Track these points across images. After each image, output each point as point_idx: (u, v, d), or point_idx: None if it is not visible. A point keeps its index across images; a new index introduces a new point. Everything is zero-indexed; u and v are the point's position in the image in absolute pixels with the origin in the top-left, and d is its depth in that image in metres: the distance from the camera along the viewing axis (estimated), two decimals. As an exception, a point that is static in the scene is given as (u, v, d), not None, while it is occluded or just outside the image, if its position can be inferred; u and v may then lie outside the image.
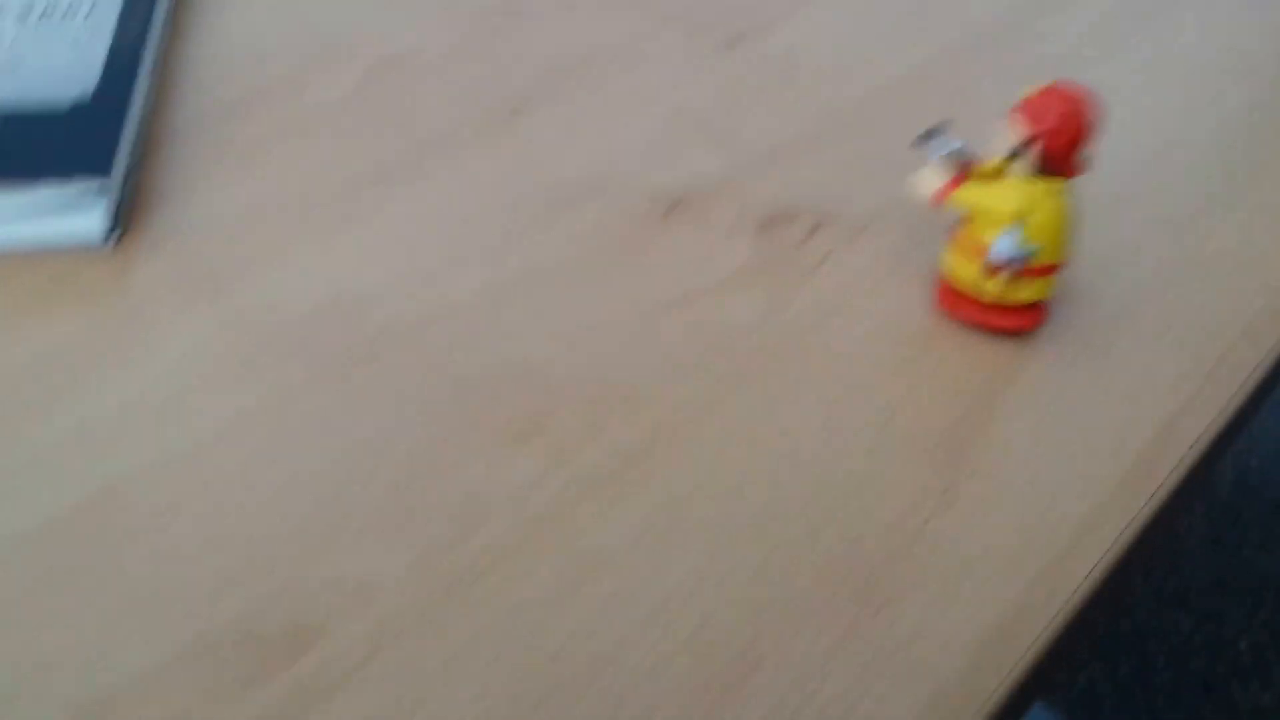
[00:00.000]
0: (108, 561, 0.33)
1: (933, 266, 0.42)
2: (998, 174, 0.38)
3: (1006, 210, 0.37)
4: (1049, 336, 0.40)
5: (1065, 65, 0.52)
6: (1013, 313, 0.39)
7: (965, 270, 0.38)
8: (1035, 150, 0.36)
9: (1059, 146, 0.36)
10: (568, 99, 0.49)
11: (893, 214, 0.44)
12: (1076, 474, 0.36)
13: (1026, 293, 0.38)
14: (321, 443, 0.36)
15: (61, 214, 0.41)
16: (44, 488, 0.35)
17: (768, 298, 0.41)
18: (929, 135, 0.38)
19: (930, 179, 0.38)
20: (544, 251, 0.42)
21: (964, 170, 0.38)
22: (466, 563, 0.33)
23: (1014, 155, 0.36)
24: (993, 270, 0.37)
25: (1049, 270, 0.38)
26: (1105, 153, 0.47)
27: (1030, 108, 0.36)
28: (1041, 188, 0.37)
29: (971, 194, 0.37)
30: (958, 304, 0.40)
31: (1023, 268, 0.37)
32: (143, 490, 0.35)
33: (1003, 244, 0.36)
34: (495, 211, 0.44)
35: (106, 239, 0.41)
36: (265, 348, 0.39)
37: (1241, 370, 0.40)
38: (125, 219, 0.43)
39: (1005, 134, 0.36)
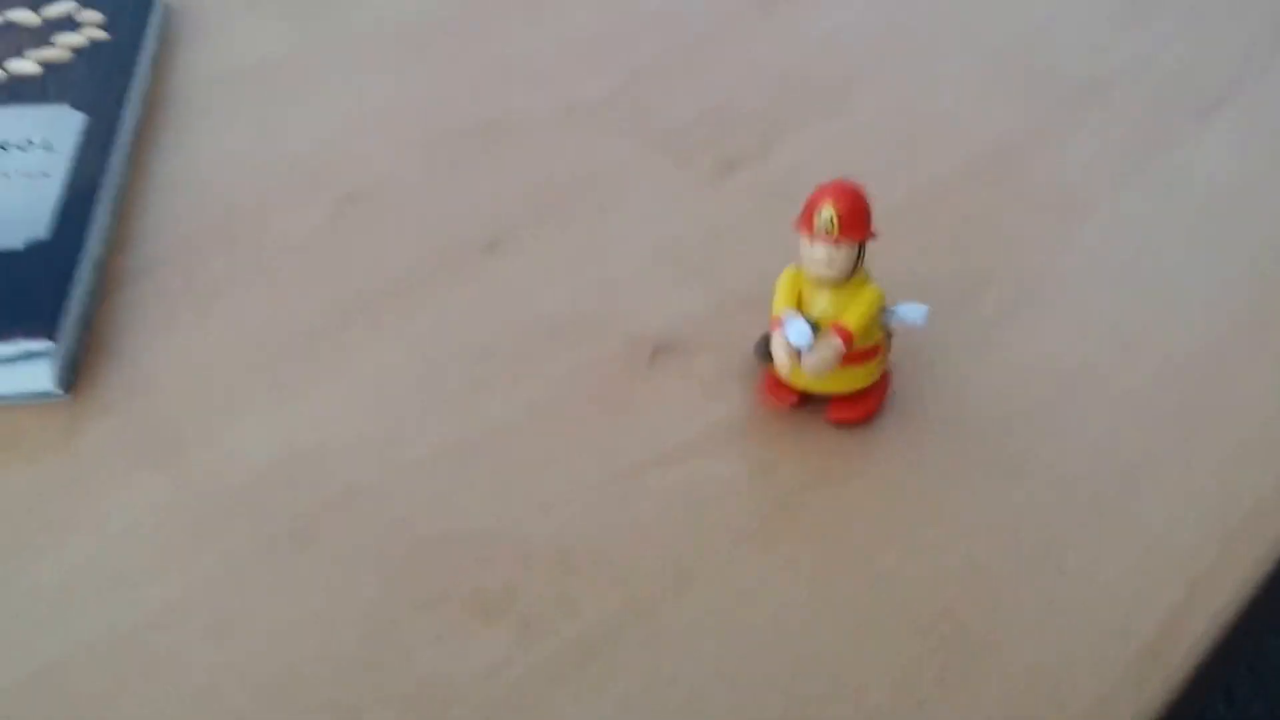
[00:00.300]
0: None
1: (940, 424, 0.40)
2: (796, 296, 0.38)
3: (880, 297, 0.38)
4: (1056, 513, 0.38)
5: (1073, 191, 0.50)
6: (849, 402, 0.40)
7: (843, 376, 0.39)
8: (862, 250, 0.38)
9: (870, 232, 0.38)
10: (547, 233, 0.47)
11: (893, 362, 0.42)
12: (1088, 651, 0.33)
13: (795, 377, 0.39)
14: (270, 619, 0.34)
15: (9, 366, 0.38)
16: (-31, 677, 0.32)
17: (757, 455, 0.38)
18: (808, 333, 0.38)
19: (823, 346, 0.38)
20: (516, 403, 0.40)
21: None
22: (423, 765, 0.31)
23: (857, 266, 0.38)
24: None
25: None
26: (1110, 283, 0.45)
27: (849, 225, 0.37)
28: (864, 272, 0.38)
29: (857, 314, 0.38)
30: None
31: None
32: (82, 672, 0.32)
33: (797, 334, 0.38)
34: (465, 358, 0.42)
35: (55, 393, 0.39)
36: (216, 514, 0.36)
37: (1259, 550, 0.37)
38: (77, 370, 0.40)
39: (838, 256, 0.37)
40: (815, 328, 0.38)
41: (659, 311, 0.44)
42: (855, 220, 0.37)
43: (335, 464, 0.38)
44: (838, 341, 0.37)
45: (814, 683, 0.32)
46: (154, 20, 0.56)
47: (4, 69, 0.50)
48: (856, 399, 0.39)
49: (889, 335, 0.40)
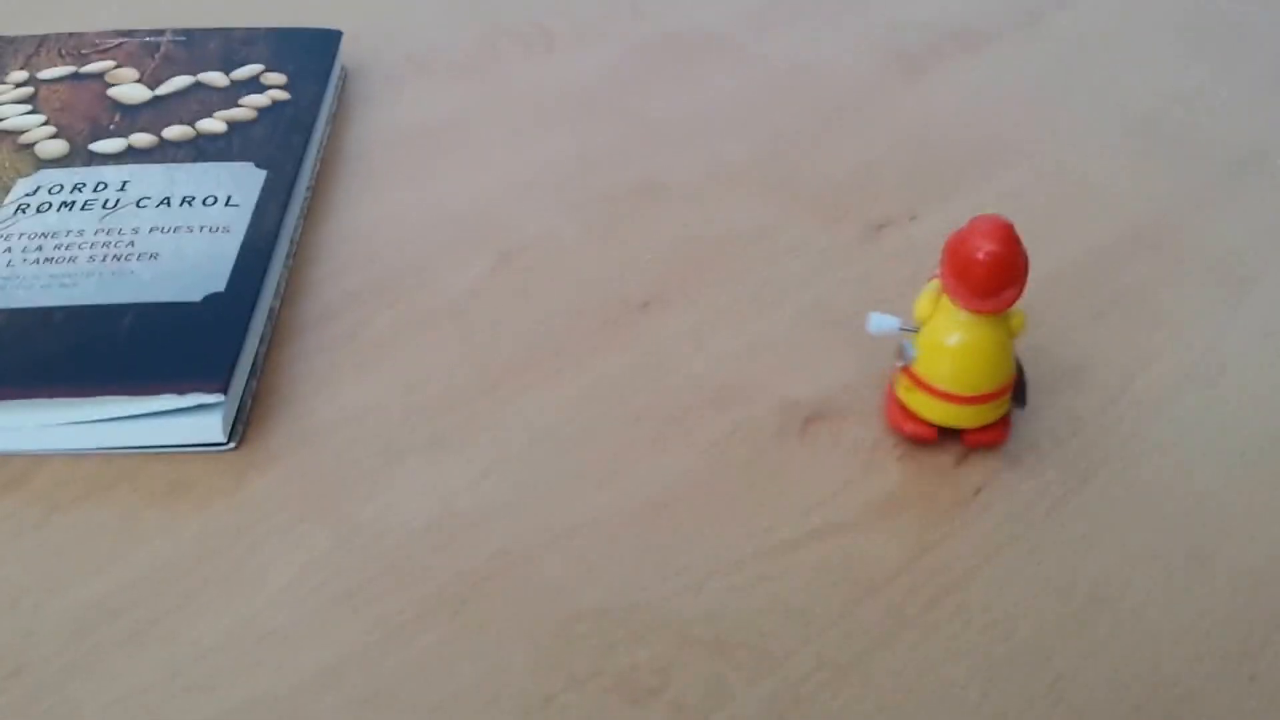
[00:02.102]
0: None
1: (1117, 510, 0.35)
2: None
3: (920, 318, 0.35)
4: (1246, 612, 0.32)
5: (1235, 264, 0.44)
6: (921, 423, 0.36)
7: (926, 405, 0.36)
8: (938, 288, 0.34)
9: (953, 285, 0.33)
10: (698, 292, 0.43)
11: (1057, 440, 0.37)
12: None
13: (928, 411, 0.35)
14: (423, 692, 0.30)
15: (182, 417, 0.36)
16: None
17: (918, 533, 0.34)
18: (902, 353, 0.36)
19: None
20: (667, 469, 0.36)
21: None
22: None
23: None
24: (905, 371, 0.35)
25: (949, 397, 0.34)
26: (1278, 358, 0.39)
27: (945, 250, 0.33)
28: (966, 317, 0.34)
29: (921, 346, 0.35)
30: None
31: (905, 367, 0.35)
32: (234, 737, 0.29)
33: (905, 346, 0.35)
34: (618, 420, 0.38)
35: (225, 444, 0.36)
36: (373, 575, 0.33)
37: None
38: (246, 421, 0.38)
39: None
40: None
41: (811, 376, 0.39)
42: (949, 270, 0.33)
43: (489, 527, 0.34)
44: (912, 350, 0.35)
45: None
46: (333, 82, 0.53)
47: (194, 128, 0.48)
48: (994, 427, 0.36)
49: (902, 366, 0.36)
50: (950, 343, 0.34)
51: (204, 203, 0.44)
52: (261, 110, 0.50)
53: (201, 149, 0.47)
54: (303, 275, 0.44)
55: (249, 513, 0.35)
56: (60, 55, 0.54)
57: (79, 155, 0.47)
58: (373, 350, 0.41)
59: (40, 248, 0.42)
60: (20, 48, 0.54)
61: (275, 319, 0.42)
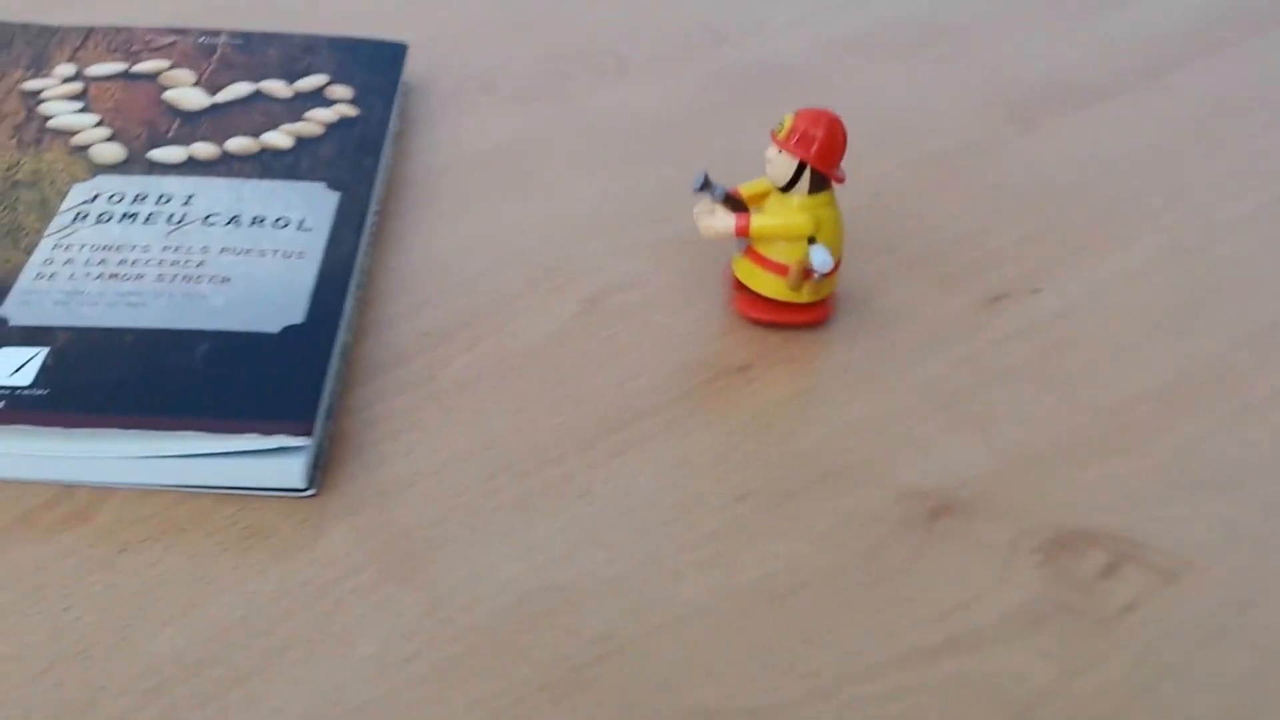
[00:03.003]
0: None
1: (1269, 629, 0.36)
2: (763, 197, 0.45)
3: (805, 230, 0.43)
4: None
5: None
6: (809, 309, 0.46)
7: (770, 284, 0.45)
8: (807, 174, 0.43)
9: (825, 166, 0.43)
10: (801, 356, 0.45)
11: (1220, 551, 0.38)
12: None
13: (825, 290, 0.45)
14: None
15: (263, 459, 0.37)
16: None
17: (1061, 652, 0.35)
18: (706, 184, 0.44)
19: (722, 217, 0.44)
20: (779, 554, 0.38)
21: (732, 202, 0.44)
22: None
23: (792, 182, 0.43)
24: (807, 277, 0.44)
25: (834, 270, 0.45)
26: None
27: (796, 138, 0.42)
28: (819, 202, 0.44)
29: (767, 221, 0.44)
30: (761, 308, 0.46)
31: (830, 273, 0.44)
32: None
33: (820, 257, 0.43)
34: (722, 494, 0.39)
35: (304, 491, 0.38)
36: (464, 651, 0.34)
37: None
38: (323, 467, 0.39)
39: (776, 161, 0.43)
40: (742, 208, 0.44)
41: (935, 464, 0.41)
42: (806, 142, 0.42)
43: (589, 606, 0.36)
44: (730, 219, 0.43)
45: None
46: (399, 99, 0.55)
47: (259, 140, 0.50)
48: (761, 303, 0.45)
49: (809, 270, 0.44)
50: (837, 218, 0.44)
51: (275, 224, 0.46)
52: (329, 126, 0.52)
53: (267, 165, 0.49)
54: (373, 310, 0.46)
55: (330, 569, 0.36)
56: (109, 50, 0.55)
57: (137, 162, 0.49)
58: (452, 395, 0.42)
59: (104, 261, 0.43)
60: (66, 39, 0.56)
61: (346, 364, 0.43)
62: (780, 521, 0.39)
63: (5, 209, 0.46)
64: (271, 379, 0.39)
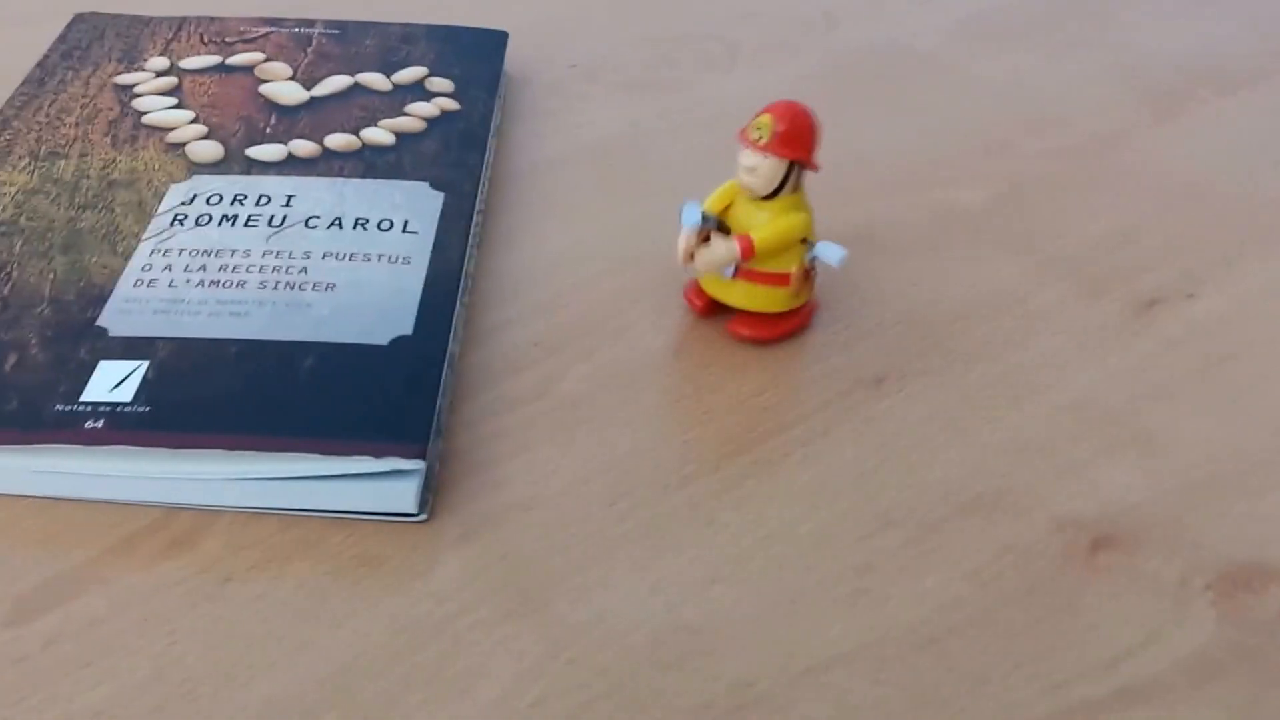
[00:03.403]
0: None
1: None
2: (726, 209, 0.40)
3: (804, 232, 0.40)
4: None
5: None
6: (802, 310, 0.43)
7: (773, 298, 0.41)
8: (794, 173, 0.39)
9: (811, 159, 0.39)
10: (940, 370, 0.42)
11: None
12: None
13: (811, 287, 0.42)
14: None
15: (373, 482, 0.35)
16: None
17: (1247, 706, 0.32)
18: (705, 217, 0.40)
19: (722, 246, 0.40)
20: (933, 596, 0.35)
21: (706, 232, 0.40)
22: None
23: (781, 185, 0.39)
24: (807, 279, 0.41)
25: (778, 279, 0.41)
26: None
27: (781, 138, 0.38)
28: (800, 198, 0.40)
29: (769, 234, 0.40)
30: (765, 326, 0.42)
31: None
32: None
33: (836, 253, 0.40)
34: (860, 522, 0.37)
35: (416, 516, 0.36)
36: (596, 698, 0.32)
37: None
38: (434, 489, 0.37)
39: (762, 167, 0.39)
40: (725, 231, 0.40)
41: (1091, 490, 0.38)
42: (791, 139, 0.38)
43: (725, 648, 0.33)
44: (733, 244, 0.39)
45: None
46: (500, 91, 0.53)
47: (359, 137, 0.48)
48: (762, 320, 0.41)
49: (810, 271, 0.41)
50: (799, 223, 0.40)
51: (379, 227, 0.43)
52: (430, 121, 0.49)
53: (369, 162, 0.47)
54: (480, 318, 0.44)
55: (447, 602, 0.34)
56: (202, 42, 0.54)
57: (235, 161, 0.47)
58: (567, 412, 0.40)
59: (204, 268, 0.41)
60: (158, 31, 0.55)
61: (455, 368, 0.41)
62: (928, 555, 0.36)
63: (102, 210, 0.44)
64: (381, 396, 0.36)
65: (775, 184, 0.39)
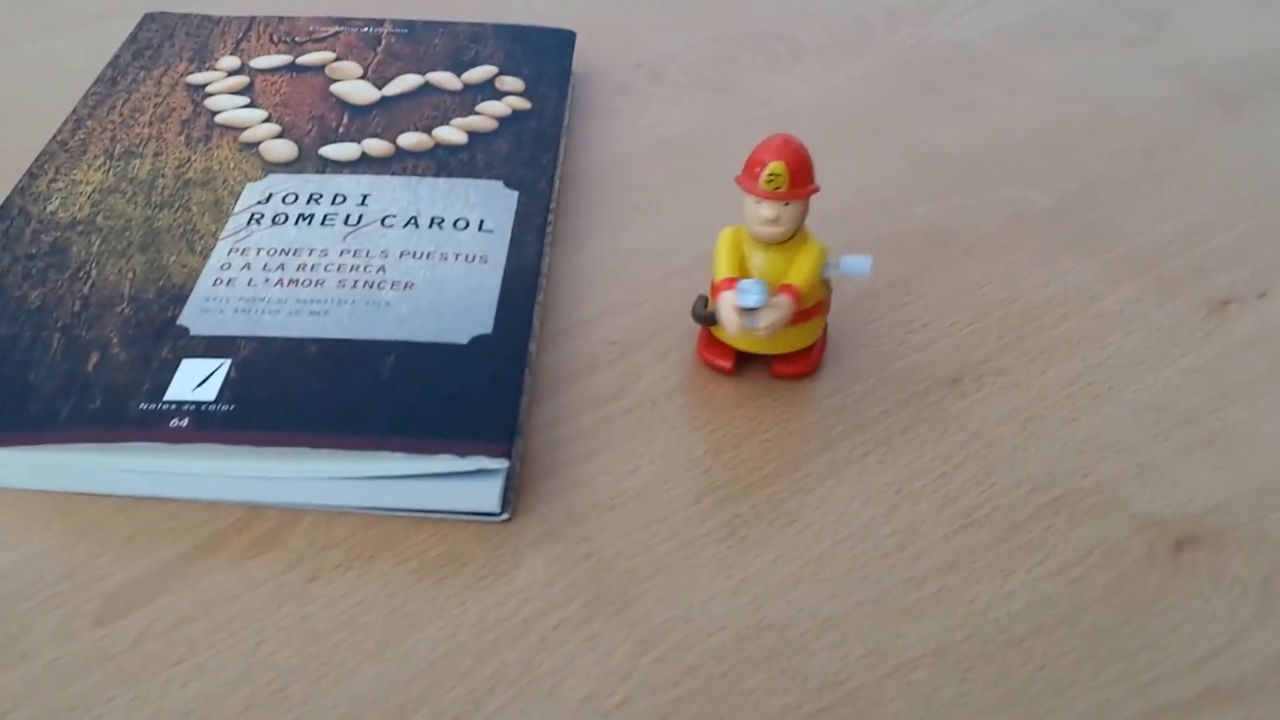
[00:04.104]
0: None
1: None
2: (739, 259, 0.38)
3: (824, 257, 0.38)
4: None
5: None
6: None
7: (806, 333, 0.39)
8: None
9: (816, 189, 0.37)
10: (1016, 369, 0.41)
11: None
12: None
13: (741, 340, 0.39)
14: None
15: (456, 480, 0.35)
16: None
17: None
18: (752, 305, 0.37)
19: (777, 308, 0.37)
20: (1021, 595, 0.34)
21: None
22: None
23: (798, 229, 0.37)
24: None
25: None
26: None
27: (794, 180, 0.36)
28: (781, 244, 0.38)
29: (805, 275, 0.37)
30: (801, 362, 0.40)
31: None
32: None
33: (862, 265, 0.38)
34: (949, 524, 0.36)
35: (499, 515, 0.35)
36: (684, 698, 0.31)
37: None
38: (516, 488, 0.37)
39: (785, 215, 0.36)
40: (712, 319, 0.38)
41: (1172, 489, 0.37)
42: (802, 175, 0.36)
43: (812, 648, 0.33)
44: (788, 300, 0.37)
45: None
46: (569, 90, 0.53)
47: (431, 136, 0.48)
48: (794, 355, 0.40)
49: (829, 288, 0.39)
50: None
51: (455, 225, 0.43)
52: (501, 120, 0.49)
53: (442, 161, 0.47)
54: (555, 317, 0.43)
55: (531, 602, 0.34)
56: (272, 42, 0.54)
57: (309, 160, 0.46)
58: (646, 411, 0.40)
59: (282, 266, 0.41)
60: (228, 30, 0.55)
61: (533, 367, 0.41)
62: (1012, 554, 0.35)
63: (179, 209, 0.44)
64: (463, 395, 0.36)
65: (798, 225, 0.37)
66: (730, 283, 0.37)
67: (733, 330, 0.37)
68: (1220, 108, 0.55)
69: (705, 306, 0.39)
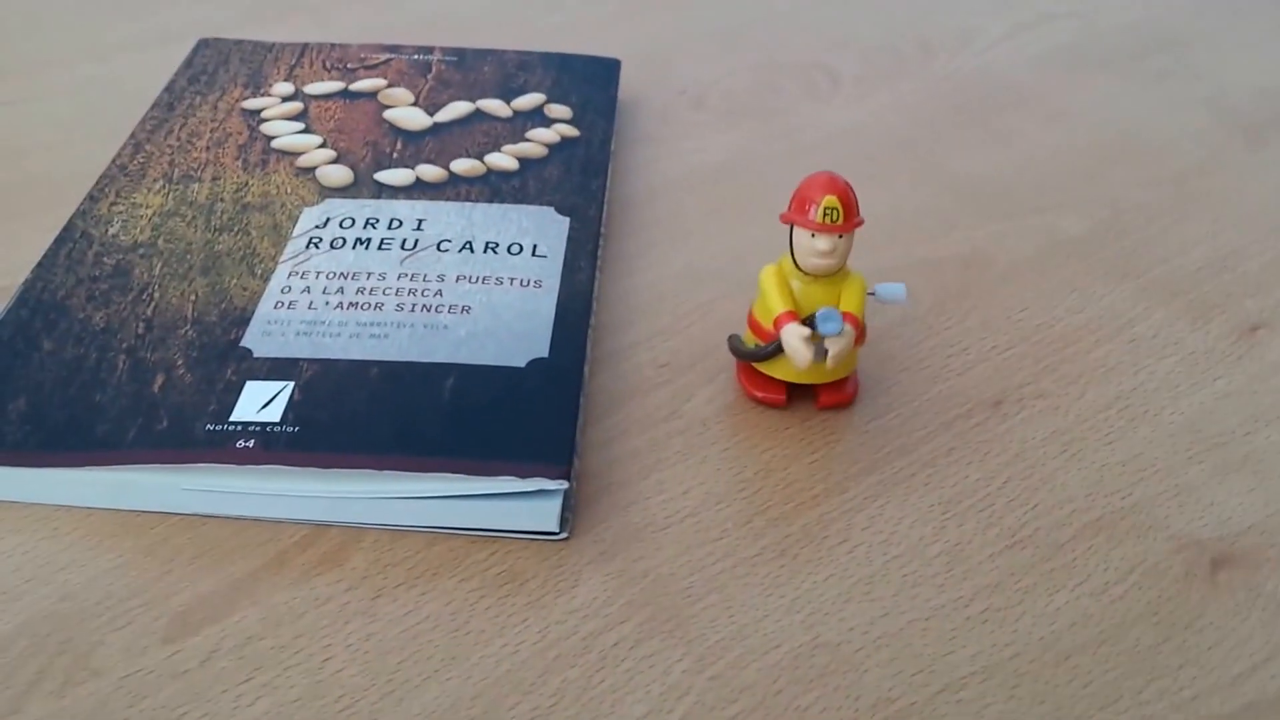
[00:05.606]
0: None
1: None
2: (788, 293, 0.38)
3: (864, 279, 0.39)
4: None
5: None
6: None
7: (852, 358, 0.39)
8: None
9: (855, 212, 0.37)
10: (1055, 393, 0.41)
11: None
12: None
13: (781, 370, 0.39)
14: None
15: (516, 500, 0.35)
16: None
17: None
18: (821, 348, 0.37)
19: (842, 336, 0.37)
20: (1064, 613, 0.34)
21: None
22: None
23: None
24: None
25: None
26: None
27: (846, 212, 0.36)
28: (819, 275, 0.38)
29: (855, 301, 0.38)
30: (843, 391, 0.40)
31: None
32: None
33: (897, 292, 0.39)
34: (994, 545, 0.36)
35: (557, 534, 0.36)
36: (741, 715, 0.32)
37: None
38: (573, 509, 0.37)
39: (839, 248, 0.37)
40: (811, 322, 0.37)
41: (1208, 510, 0.37)
42: (852, 209, 0.37)
43: (864, 665, 0.33)
44: (847, 329, 0.37)
45: None
46: (615, 117, 0.53)
47: (483, 162, 0.48)
48: (838, 384, 0.40)
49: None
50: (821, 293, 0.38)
51: (509, 250, 0.43)
52: (551, 147, 0.49)
53: (494, 187, 0.47)
54: (606, 340, 0.43)
55: (590, 620, 0.34)
56: (325, 68, 0.54)
57: (364, 185, 0.47)
58: (698, 432, 0.40)
59: (341, 290, 0.41)
60: (281, 56, 0.55)
61: (586, 389, 0.41)
62: (1055, 574, 0.35)
63: (238, 233, 0.44)
64: (522, 417, 0.36)
65: (848, 256, 0.37)
66: (791, 316, 0.37)
67: (802, 363, 0.37)
68: (1245, 138, 0.55)
69: (742, 343, 0.39)
